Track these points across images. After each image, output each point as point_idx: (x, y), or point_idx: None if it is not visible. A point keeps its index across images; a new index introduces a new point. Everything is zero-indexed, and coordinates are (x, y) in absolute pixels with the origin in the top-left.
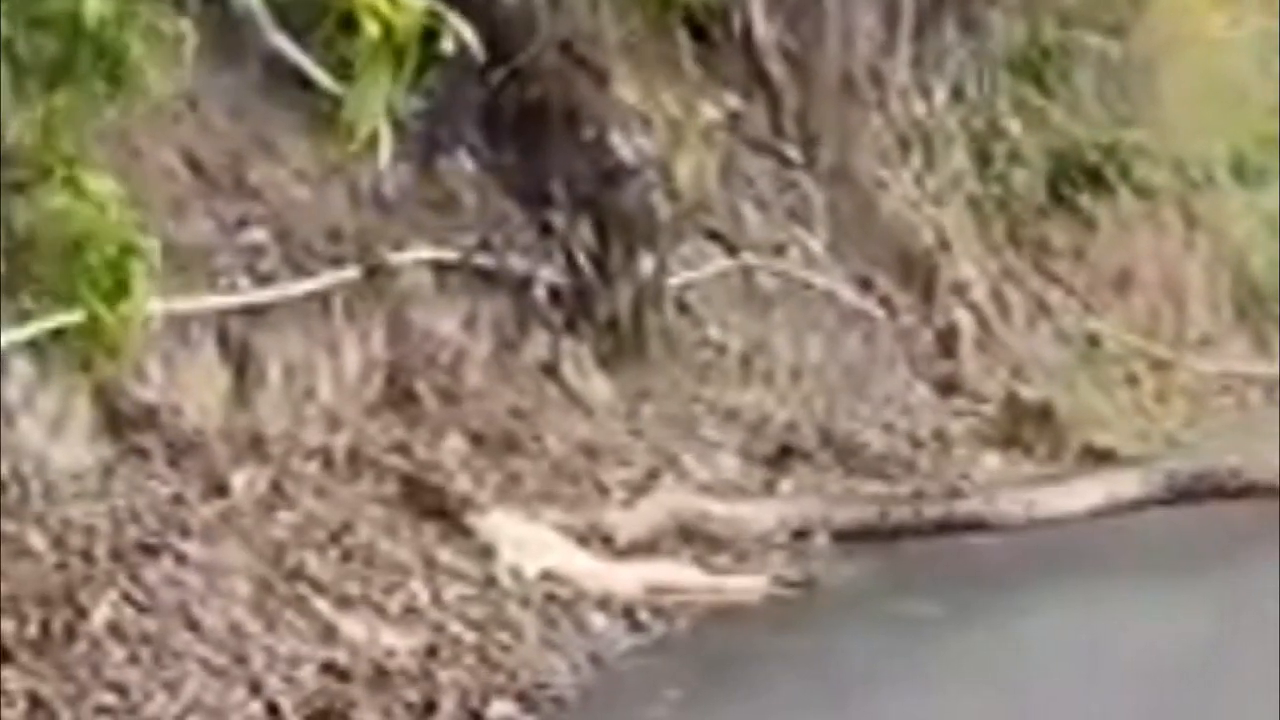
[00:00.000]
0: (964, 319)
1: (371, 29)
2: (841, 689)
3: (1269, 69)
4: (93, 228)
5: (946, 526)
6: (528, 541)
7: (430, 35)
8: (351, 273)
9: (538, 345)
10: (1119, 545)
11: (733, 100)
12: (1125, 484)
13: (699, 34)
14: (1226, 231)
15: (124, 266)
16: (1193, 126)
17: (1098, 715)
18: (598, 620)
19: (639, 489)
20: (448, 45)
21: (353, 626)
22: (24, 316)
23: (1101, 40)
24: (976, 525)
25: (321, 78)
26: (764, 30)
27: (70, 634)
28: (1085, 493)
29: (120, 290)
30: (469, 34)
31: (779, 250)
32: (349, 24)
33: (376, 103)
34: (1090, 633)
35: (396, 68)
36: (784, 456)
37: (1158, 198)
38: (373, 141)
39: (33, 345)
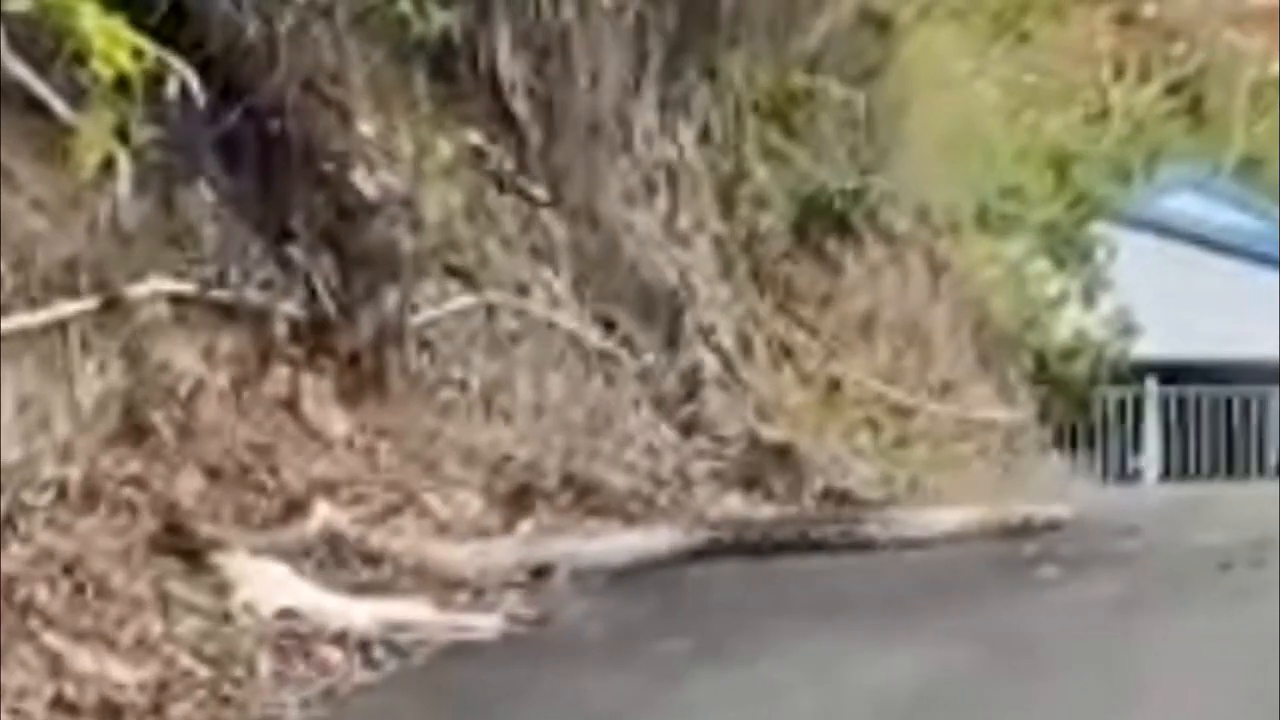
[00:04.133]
0: (708, 361)
1: (105, 72)
2: None
3: (1015, 118)
4: None
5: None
6: (263, 577)
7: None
8: (88, 304)
9: (277, 380)
10: (897, 580)
11: (478, 137)
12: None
13: (444, 71)
14: (970, 278)
15: None
16: (938, 174)
17: None
18: (332, 656)
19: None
20: (172, 89)
21: (83, 660)
22: None
23: (848, 88)
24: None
25: (59, 106)
26: (509, 68)
27: None
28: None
29: None
30: (193, 80)
31: (522, 289)
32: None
33: (106, 138)
34: (842, 674)
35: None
36: (524, 495)
37: (902, 244)
38: (111, 171)
39: None
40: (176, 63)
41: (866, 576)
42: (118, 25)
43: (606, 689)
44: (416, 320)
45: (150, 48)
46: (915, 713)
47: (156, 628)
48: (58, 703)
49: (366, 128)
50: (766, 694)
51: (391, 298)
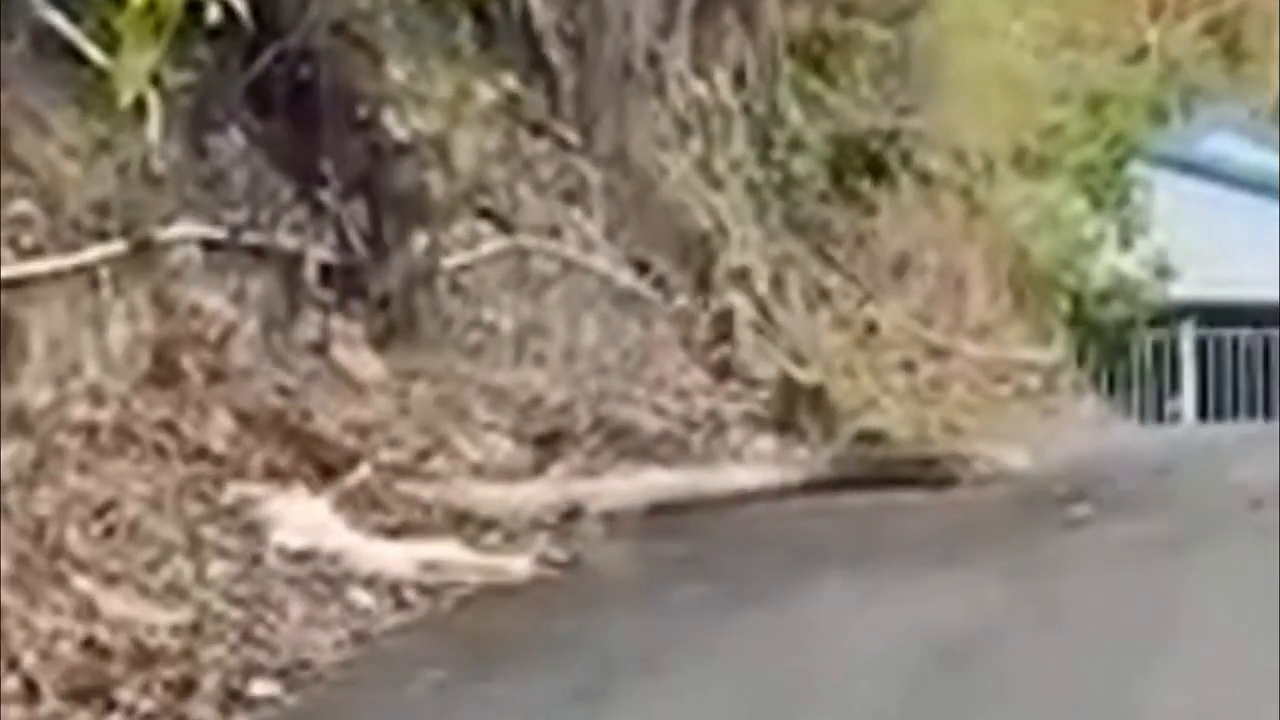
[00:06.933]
0: (741, 303)
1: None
2: (598, 672)
3: (1051, 58)
4: None
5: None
6: (295, 519)
7: (197, 6)
8: (119, 247)
9: (308, 324)
10: (930, 521)
11: (511, 81)
12: None
13: (477, 14)
14: (1006, 221)
15: None
16: (974, 116)
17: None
18: (364, 598)
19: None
20: (213, 14)
21: (114, 603)
22: None
23: (882, 30)
24: None
25: (92, 52)
26: (543, 11)
27: None
28: None
29: None
30: (239, 3)
31: (555, 232)
32: None
33: (140, 71)
34: (864, 616)
35: (160, 37)
36: (556, 438)
37: (938, 186)
38: (142, 115)
39: None
40: None
41: (902, 517)
42: None
43: (635, 631)
44: (448, 264)
45: None
46: (947, 654)
47: (187, 571)
48: (89, 646)
49: (398, 71)
50: (801, 636)
51: (422, 241)
